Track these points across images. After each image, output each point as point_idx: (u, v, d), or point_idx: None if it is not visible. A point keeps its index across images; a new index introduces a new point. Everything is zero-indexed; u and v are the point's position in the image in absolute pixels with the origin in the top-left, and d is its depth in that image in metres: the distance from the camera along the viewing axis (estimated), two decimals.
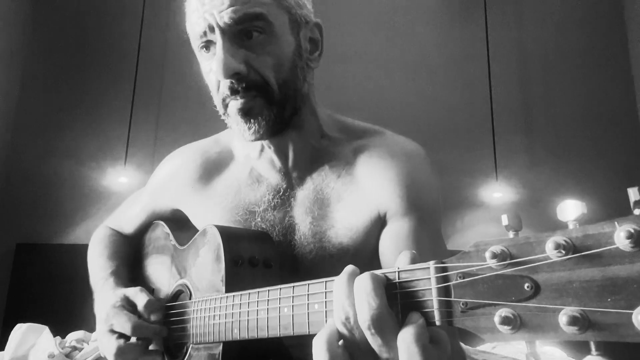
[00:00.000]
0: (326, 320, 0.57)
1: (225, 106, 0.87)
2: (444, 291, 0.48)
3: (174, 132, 3.89)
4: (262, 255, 0.86)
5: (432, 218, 0.92)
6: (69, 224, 3.86)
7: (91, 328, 1.19)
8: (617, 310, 0.37)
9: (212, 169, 1.03)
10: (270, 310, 0.66)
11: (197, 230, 0.97)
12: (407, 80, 4.14)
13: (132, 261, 1.15)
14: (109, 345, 0.91)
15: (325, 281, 0.58)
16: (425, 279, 0.49)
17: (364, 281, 0.51)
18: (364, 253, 0.91)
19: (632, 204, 0.38)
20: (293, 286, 0.63)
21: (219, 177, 1.02)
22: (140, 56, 4.05)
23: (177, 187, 1.06)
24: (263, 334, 0.67)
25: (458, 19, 4.30)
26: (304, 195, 0.95)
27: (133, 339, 0.91)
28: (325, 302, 0.58)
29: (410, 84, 4.13)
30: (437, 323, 0.48)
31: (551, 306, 0.40)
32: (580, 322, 0.38)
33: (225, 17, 0.82)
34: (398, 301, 0.51)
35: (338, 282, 0.54)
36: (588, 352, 0.39)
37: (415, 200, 0.90)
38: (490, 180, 3.89)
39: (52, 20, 4.25)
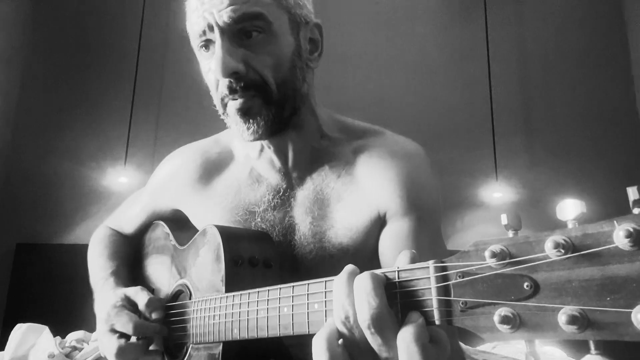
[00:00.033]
0: (326, 320, 0.57)
1: (224, 106, 0.87)
2: (444, 290, 0.48)
3: (174, 132, 3.89)
4: (262, 255, 0.86)
5: (431, 218, 0.92)
6: (69, 224, 3.87)
7: (91, 328, 1.19)
8: (616, 309, 0.37)
9: (212, 169, 1.03)
10: (270, 310, 0.66)
11: (197, 230, 0.97)
12: (407, 80, 4.14)
13: (132, 261, 1.15)
14: (109, 345, 0.91)
15: (325, 281, 0.58)
16: (424, 279, 0.49)
17: (364, 280, 0.51)
18: (363, 253, 0.91)
19: (631, 203, 0.38)
20: (293, 286, 0.63)
21: (219, 177, 1.02)
22: (140, 56, 4.06)
23: (177, 187, 1.06)
24: (263, 333, 0.67)
25: (458, 19, 4.31)
26: (304, 195, 0.95)
27: (133, 339, 0.91)
28: (325, 301, 0.58)
29: (410, 84, 4.13)
30: (437, 322, 0.48)
31: (550, 305, 0.40)
32: (579, 321, 0.38)
33: (224, 16, 0.82)
34: (398, 300, 0.51)
35: (338, 282, 0.54)
36: (587, 351, 0.39)
37: (415, 200, 0.90)
38: (490, 180, 3.89)
39: (52, 20, 4.25)
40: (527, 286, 0.42)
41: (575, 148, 3.97)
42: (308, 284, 0.61)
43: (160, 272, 1.06)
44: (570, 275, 0.40)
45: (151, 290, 1.05)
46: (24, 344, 1.46)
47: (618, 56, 4.17)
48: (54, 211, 3.88)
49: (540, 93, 4.15)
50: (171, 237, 1.05)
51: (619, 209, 0.39)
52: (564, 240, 0.40)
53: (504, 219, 0.46)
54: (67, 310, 2.57)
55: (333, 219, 0.92)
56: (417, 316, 0.49)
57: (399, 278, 0.51)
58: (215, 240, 0.86)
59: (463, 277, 0.46)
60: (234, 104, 0.86)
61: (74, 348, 1.48)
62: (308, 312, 0.60)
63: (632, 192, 0.38)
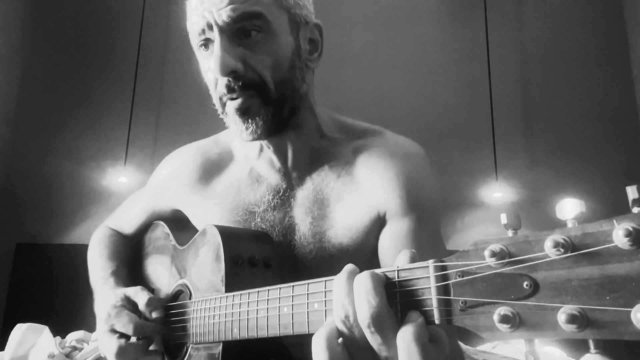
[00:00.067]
0: (326, 320, 0.57)
1: (223, 105, 0.87)
2: (443, 290, 0.48)
3: (174, 132, 3.89)
4: (261, 255, 0.86)
5: (431, 218, 0.92)
6: (69, 224, 3.87)
7: (91, 328, 1.19)
8: (615, 308, 0.37)
9: (212, 169, 1.03)
10: (269, 309, 0.66)
11: (197, 231, 0.97)
12: (407, 80, 4.14)
13: (132, 261, 1.15)
14: (109, 345, 0.91)
15: (325, 280, 0.58)
16: (424, 278, 0.49)
17: (364, 280, 0.51)
18: (363, 253, 0.91)
19: (630, 203, 0.38)
20: (293, 285, 0.63)
21: (219, 178, 1.02)
22: (140, 56, 4.06)
23: (177, 188, 1.06)
24: (263, 333, 0.67)
25: (458, 19, 4.31)
26: (303, 195, 0.95)
27: (133, 339, 0.91)
28: (325, 301, 0.58)
29: (410, 84, 4.13)
30: (437, 322, 0.48)
31: (550, 304, 0.40)
32: (579, 320, 0.38)
33: (223, 15, 0.82)
34: (397, 300, 0.51)
35: (338, 281, 0.54)
36: (587, 350, 0.39)
37: (414, 200, 0.90)
38: (490, 180, 3.89)
39: (52, 20, 4.25)
40: (526, 285, 0.42)
41: (575, 148, 3.97)
42: (308, 283, 0.61)
43: (160, 272, 1.06)
44: (570, 274, 0.40)
45: (151, 290, 1.05)
46: (24, 344, 1.46)
47: (618, 56, 4.18)
48: (54, 211, 3.88)
49: (540, 93, 4.15)
50: (171, 237, 1.05)
51: (619, 209, 0.39)
52: (564, 239, 0.40)
53: (503, 219, 0.46)
54: (67, 310, 2.57)
55: (333, 219, 0.92)
56: (416, 315, 0.49)
57: (398, 277, 0.51)
58: (215, 240, 0.86)
59: (463, 277, 0.46)
60: (232, 104, 0.86)
61: (74, 348, 1.48)
62: (308, 312, 0.60)
63: (631, 191, 0.38)
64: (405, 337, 0.47)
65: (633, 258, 0.37)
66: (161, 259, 1.07)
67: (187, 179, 1.04)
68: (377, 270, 0.53)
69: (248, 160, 1.00)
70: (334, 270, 0.57)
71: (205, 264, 0.88)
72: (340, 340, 0.52)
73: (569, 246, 0.40)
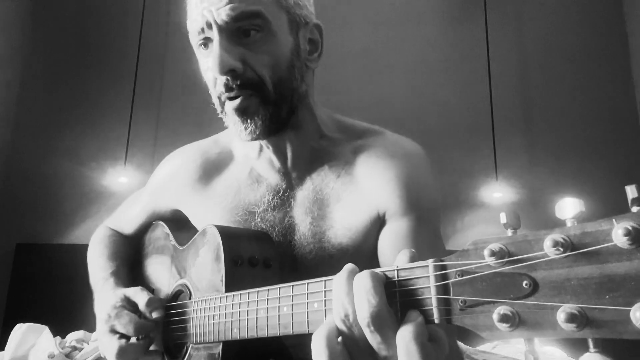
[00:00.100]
0: (325, 319, 0.57)
1: (222, 104, 0.88)
2: (443, 289, 0.48)
3: (174, 132, 3.89)
4: (261, 255, 0.86)
5: (431, 218, 0.92)
6: (69, 224, 3.87)
7: (91, 328, 1.19)
8: (615, 307, 0.37)
9: (212, 169, 1.03)
10: (269, 309, 0.66)
11: (197, 231, 0.97)
12: (407, 80, 4.14)
13: (132, 261, 1.15)
14: (110, 346, 0.91)
15: (325, 280, 0.58)
16: (424, 277, 0.49)
17: (364, 279, 0.51)
18: (363, 253, 0.91)
19: (629, 202, 0.38)
20: (292, 285, 0.63)
21: (219, 178, 1.02)
22: (140, 56, 4.06)
23: (177, 188, 1.06)
24: (262, 333, 0.67)
25: (458, 19, 4.31)
26: (303, 195, 0.95)
27: (134, 339, 0.92)
28: (325, 301, 0.58)
29: (410, 84, 4.13)
30: (436, 321, 0.48)
31: (549, 303, 0.40)
32: (578, 319, 0.38)
33: (222, 14, 0.82)
34: (397, 299, 0.51)
35: (337, 280, 0.54)
36: (586, 349, 0.39)
37: (414, 200, 0.90)
38: (490, 180, 3.89)
39: (52, 20, 4.25)
40: (526, 284, 0.42)
41: (575, 148, 3.97)
42: (308, 283, 0.61)
43: (160, 272, 1.06)
44: (569, 273, 0.40)
45: (151, 290, 1.05)
46: (24, 344, 1.46)
47: (618, 56, 4.18)
48: (54, 211, 3.88)
49: (540, 93, 4.15)
50: (171, 237, 1.05)
51: (619, 209, 0.39)
52: (563, 238, 0.40)
53: (502, 218, 0.46)
54: (67, 310, 2.57)
55: (332, 219, 0.92)
56: (416, 315, 0.49)
57: (398, 277, 0.51)
58: (215, 240, 0.86)
59: (462, 276, 0.46)
60: (231, 104, 0.86)
61: (74, 348, 1.48)
62: (308, 312, 0.60)
63: (630, 191, 0.38)
64: (405, 336, 0.47)
65: (632, 257, 0.37)
66: (161, 259, 1.07)
67: (187, 179, 1.04)
68: (377, 270, 0.53)
69: (248, 160, 1.00)
70: (333, 270, 0.57)
71: (205, 264, 0.88)
72: (339, 339, 0.52)
73: (568, 245, 0.40)
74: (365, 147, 0.95)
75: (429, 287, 0.49)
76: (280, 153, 0.95)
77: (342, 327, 0.52)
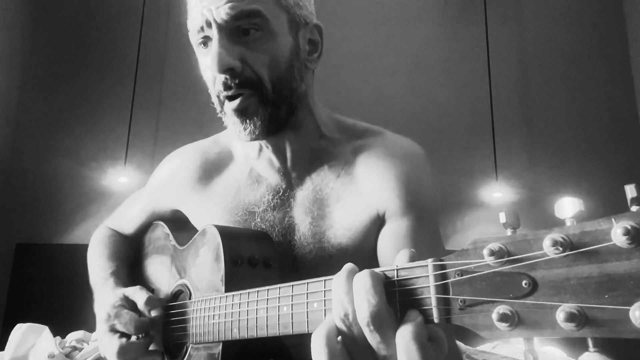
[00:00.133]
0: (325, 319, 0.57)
1: (222, 103, 0.88)
2: (442, 289, 0.48)
3: (174, 132, 3.89)
4: (261, 255, 0.86)
5: (430, 218, 0.92)
6: (69, 224, 3.86)
7: (91, 328, 1.19)
8: (614, 306, 0.37)
9: (211, 170, 1.03)
10: (269, 309, 0.66)
11: (197, 231, 0.97)
12: (407, 80, 4.14)
13: (132, 261, 1.15)
14: (110, 345, 0.91)
15: (324, 280, 0.59)
16: (423, 277, 0.49)
17: (363, 278, 0.51)
18: (363, 253, 0.91)
19: (629, 201, 0.38)
20: (292, 285, 0.63)
21: (219, 178, 1.02)
22: (140, 56, 4.06)
23: (177, 188, 1.06)
24: (262, 333, 0.67)
25: (458, 19, 4.31)
26: (303, 195, 0.95)
27: (134, 338, 0.92)
28: (325, 300, 0.58)
29: (410, 84, 4.13)
30: (436, 320, 0.48)
31: (549, 303, 0.40)
32: (577, 318, 0.38)
33: (222, 12, 0.82)
34: (397, 299, 0.51)
35: (337, 279, 0.54)
36: (586, 348, 0.39)
37: (413, 200, 0.90)
38: (490, 180, 3.89)
39: (52, 20, 4.25)
40: (525, 284, 0.42)
41: (575, 148, 3.97)
42: (307, 283, 0.61)
43: (160, 272, 1.06)
44: (569, 273, 0.40)
45: (151, 290, 1.05)
46: (24, 344, 1.46)
47: (618, 56, 4.18)
48: (54, 211, 3.88)
49: (540, 93, 4.15)
50: (171, 237, 1.05)
51: (620, 209, 0.39)
52: (562, 238, 0.40)
53: (502, 217, 0.46)
54: (67, 310, 2.57)
55: (332, 219, 0.92)
56: (415, 314, 0.49)
57: (397, 276, 0.51)
58: (214, 240, 0.86)
59: (462, 275, 0.46)
60: (230, 105, 0.86)
61: (74, 348, 1.48)
62: (307, 312, 0.60)
63: (629, 190, 0.38)
64: (405, 335, 0.47)
65: (631, 256, 0.37)
66: (161, 259, 1.07)
67: (187, 179, 1.04)
68: (377, 270, 0.53)
69: (248, 160, 1.00)
70: (333, 270, 0.57)
71: (205, 264, 0.88)
72: (339, 338, 0.52)
73: (567, 245, 0.40)
74: (365, 147, 0.95)
75: (429, 286, 0.49)
76: (279, 153, 0.95)
77: (342, 327, 0.52)
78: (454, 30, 4.27)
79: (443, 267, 0.48)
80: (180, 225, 1.07)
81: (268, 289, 0.67)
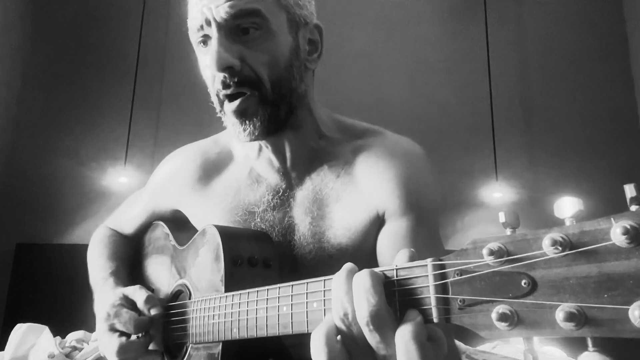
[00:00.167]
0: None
1: (221, 103, 0.88)
2: (442, 288, 0.48)
3: (174, 132, 3.89)
4: (261, 255, 0.86)
5: (430, 218, 0.92)
6: (69, 224, 3.87)
7: (91, 328, 1.19)
8: (613, 306, 0.37)
9: (211, 170, 1.03)
10: (269, 309, 0.66)
11: (197, 231, 0.97)
12: (407, 80, 4.14)
13: (131, 261, 1.15)
14: (110, 344, 0.91)
15: (324, 280, 0.58)
16: (423, 277, 0.49)
17: (363, 278, 0.51)
18: (362, 253, 0.91)
19: (628, 201, 0.38)
20: (292, 285, 0.63)
21: (219, 178, 1.02)
22: (140, 56, 4.06)
23: (177, 188, 1.06)
24: (262, 333, 0.67)
25: (458, 19, 4.31)
26: (303, 195, 0.95)
27: (134, 337, 0.92)
28: (324, 300, 0.58)
29: (410, 84, 4.13)
30: (435, 320, 0.48)
31: (548, 302, 0.40)
32: (577, 318, 0.38)
33: (221, 11, 0.83)
34: (396, 298, 0.51)
35: (337, 279, 0.54)
36: (585, 348, 0.39)
37: (413, 200, 0.90)
38: (490, 180, 3.89)
39: (52, 20, 4.25)
40: (524, 283, 0.42)
41: (575, 148, 3.97)
42: (307, 282, 0.61)
43: (160, 272, 1.06)
44: (568, 272, 0.40)
45: (151, 290, 1.05)
46: (24, 344, 1.46)
47: (618, 56, 4.18)
48: (54, 211, 3.88)
49: (540, 93, 4.15)
50: (171, 237, 1.05)
51: (620, 209, 0.39)
52: (562, 237, 0.40)
53: (501, 217, 0.46)
54: (67, 310, 2.57)
55: (332, 219, 0.92)
56: (415, 314, 0.49)
57: (397, 276, 0.51)
58: (214, 240, 0.86)
59: (461, 275, 0.46)
60: (230, 106, 0.86)
61: (74, 348, 1.48)
62: (307, 311, 0.60)
63: (629, 190, 0.38)
64: (404, 335, 0.47)
65: (631, 256, 0.37)
66: (161, 259, 1.07)
67: (187, 179, 1.04)
68: (376, 269, 0.53)
69: (248, 161, 1.00)
70: (333, 270, 0.57)
71: (204, 264, 0.88)
72: (338, 337, 0.52)
73: (567, 244, 0.40)
74: (365, 147, 0.95)
75: (428, 286, 0.49)
76: (279, 153, 0.95)
77: (341, 326, 0.52)
78: (454, 30, 4.27)
79: (442, 266, 0.48)
80: (180, 225, 1.07)
81: (268, 289, 0.67)
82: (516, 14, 4.34)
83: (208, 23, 0.84)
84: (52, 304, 3.37)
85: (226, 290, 0.79)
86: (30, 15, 4.22)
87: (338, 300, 0.53)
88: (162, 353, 0.95)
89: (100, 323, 0.94)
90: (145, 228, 1.16)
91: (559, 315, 0.39)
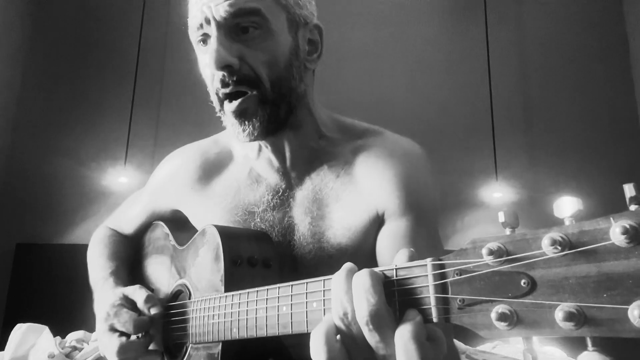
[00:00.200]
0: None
1: (221, 102, 0.88)
2: (441, 288, 0.48)
3: (174, 132, 3.89)
4: (261, 255, 0.86)
5: (429, 218, 0.92)
6: (69, 224, 3.87)
7: (91, 328, 1.19)
8: (613, 305, 0.37)
9: (211, 170, 1.03)
10: (269, 309, 0.66)
11: (197, 231, 0.97)
12: (407, 80, 4.14)
13: (131, 261, 1.15)
14: (110, 344, 0.91)
15: (324, 280, 0.58)
16: (422, 276, 0.49)
17: (363, 277, 0.51)
18: (362, 253, 0.91)
19: (627, 200, 0.38)
20: (292, 285, 0.63)
21: (219, 178, 1.02)
22: (140, 56, 4.06)
23: (177, 188, 1.06)
24: (262, 333, 0.67)
25: (458, 19, 4.31)
26: (303, 195, 0.95)
27: (134, 336, 0.92)
28: (324, 300, 0.58)
29: (410, 83, 4.13)
30: (435, 320, 0.48)
31: (547, 302, 0.40)
32: (576, 317, 0.38)
33: (220, 10, 0.83)
34: (396, 298, 0.51)
35: (336, 278, 0.54)
36: (585, 348, 0.39)
37: (413, 200, 0.90)
38: (490, 180, 3.89)
39: (52, 20, 4.25)
40: (524, 283, 0.42)
41: (575, 148, 3.97)
42: (307, 282, 0.61)
43: (160, 272, 1.06)
44: (567, 272, 0.40)
45: (151, 290, 1.05)
46: (24, 344, 1.46)
47: (618, 56, 4.18)
48: (54, 211, 3.88)
49: (540, 93, 4.15)
50: (171, 237, 1.05)
51: (620, 209, 0.39)
52: (561, 237, 0.40)
53: (501, 217, 0.46)
54: (67, 310, 2.57)
55: (332, 219, 0.92)
56: (414, 314, 0.49)
57: (397, 276, 0.51)
58: (214, 240, 0.86)
59: (460, 275, 0.46)
60: (230, 107, 0.86)
61: (74, 348, 1.48)
62: (307, 311, 0.60)
63: (628, 189, 0.38)
64: (404, 335, 0.47)
65: (630, 255, 0.37)
66: (161, 259, 1.07)
67: (187, 180, 1.04)
68: (376, 269, 0.53)
69: (247, 161, 1.00)
70: (333, 270, 0.57)
71: (204, 264, 0.88)
72: (338, 337, 0.52)
73: (566, 244, 0.40)
74: (365, 147, 0.95)
75: (428, 286, 0.49)
76: (278, 153, 0.95)
77: (341, 326, 0.52)
78: (454, 30, 4.27)
79: (442, 266, 0.48)
80: (180, 225, 1.07)
81: (267, 289, 0.67)
82: (516, 14, 4.34)
83: (207, 22, 0.84)
84: (52, 304, 3.37)
85: (226, 290, 0.79)
86: (30, 15, 4.22)
87: (338, 300, 0.53)
88: (162, 353, 0.95)
89: (100, 323, 0.94)
90: (145, 228, 1.16)
91: (559, 314, 0.39)
